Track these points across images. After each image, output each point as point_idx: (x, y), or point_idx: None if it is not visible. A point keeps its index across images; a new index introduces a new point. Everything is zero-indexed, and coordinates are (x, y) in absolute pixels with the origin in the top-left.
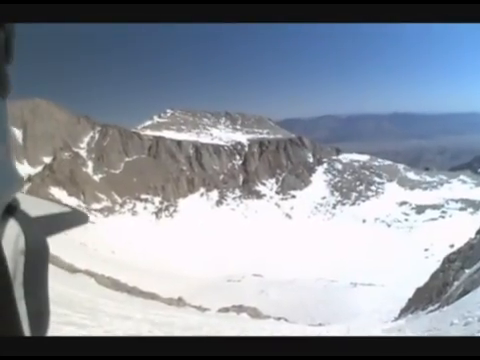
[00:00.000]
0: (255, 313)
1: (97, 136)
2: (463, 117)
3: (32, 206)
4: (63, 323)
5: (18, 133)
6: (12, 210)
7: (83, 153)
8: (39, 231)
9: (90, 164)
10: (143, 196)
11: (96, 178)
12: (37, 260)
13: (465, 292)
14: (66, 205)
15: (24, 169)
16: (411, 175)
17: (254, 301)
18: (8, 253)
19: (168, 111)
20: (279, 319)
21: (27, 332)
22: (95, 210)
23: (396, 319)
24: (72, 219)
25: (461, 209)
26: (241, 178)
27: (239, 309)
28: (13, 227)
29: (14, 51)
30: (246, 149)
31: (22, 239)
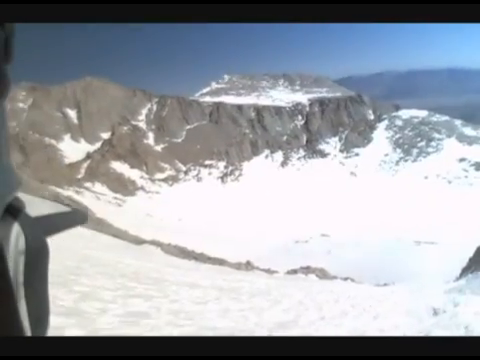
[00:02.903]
0: (322, 274)
1: (155, 107)
2: None
3: (32, 206)
4: (129, 296)
5: (72, 113)
6: (12, 210)
7: (142, 125)
8: (39, 231)
9: (151, 135)
10: (207, 162)
11: (158, 148)
12: (37, 260)
13: None
14: (66, 205)
15: (81, 147)
16: (468, 131)
17: (322, 261)
18: (8, 253)
19: (225, 76)
20: (346, 279)
21: (27, 332)
22: (159, 180)
23: (457, 279)
24: (72, 219)
25: None
26: (304, 138)
27: (307, 270)
28: (13, 227)
29: (14, 51)
30: (307, 109)
31: (22, 239)
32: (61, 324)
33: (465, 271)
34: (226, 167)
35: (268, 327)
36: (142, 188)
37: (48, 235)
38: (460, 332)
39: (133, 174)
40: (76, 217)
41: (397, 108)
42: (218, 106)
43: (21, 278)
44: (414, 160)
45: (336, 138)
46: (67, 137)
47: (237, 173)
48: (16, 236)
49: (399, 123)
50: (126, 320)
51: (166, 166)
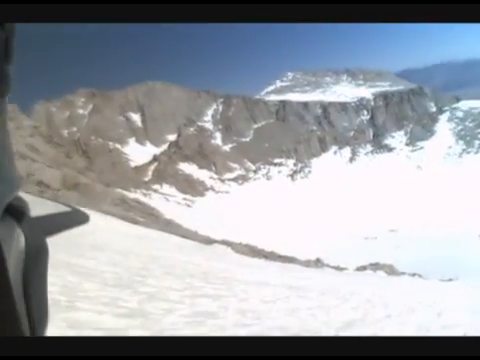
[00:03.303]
0: (391, 270)
1: (221, 108)
2: None
3: (32, 206)
4: (196, 296)
5: (136, 117)
6: (12, 210)
7: (209, 126)
8: (39, 231)
9: (218, 135)
10: (276, 160)
11: (226, 148)
12: (37, 260)
13: None
14: (66, 205)
15: (147, 150)
16: None
17: (390, 257)
18: (8, 253)
19: (289, 74)
20: (413, 275)
21: (27, 332)
22: (229, 180)
23: None
24: (72, 219)
25: None
26: (371, 132)
27: (376, 267)
28: (13, 227)
29: (14, 51)
30: (372, 103)
31: (22, 239)
32: (124, 325)
33: None
34: (295, 165)
35: (335, 326)
36: (211, 188)
37: (48, 235)
38: None
39: (202, 175)
40: (76, 217)
41: (457, 99)
42: (284, 104)
43: (20, 278)
44: (476, 152)
45: (401, 132)
46: (132, 141)
47: (306, 170)
48: (16, 236)
49: (460, 114)
50: (192, 320)
51: (235, 166)
